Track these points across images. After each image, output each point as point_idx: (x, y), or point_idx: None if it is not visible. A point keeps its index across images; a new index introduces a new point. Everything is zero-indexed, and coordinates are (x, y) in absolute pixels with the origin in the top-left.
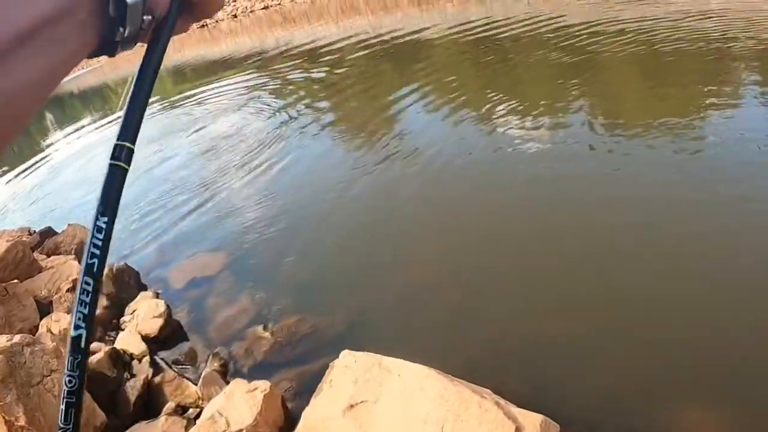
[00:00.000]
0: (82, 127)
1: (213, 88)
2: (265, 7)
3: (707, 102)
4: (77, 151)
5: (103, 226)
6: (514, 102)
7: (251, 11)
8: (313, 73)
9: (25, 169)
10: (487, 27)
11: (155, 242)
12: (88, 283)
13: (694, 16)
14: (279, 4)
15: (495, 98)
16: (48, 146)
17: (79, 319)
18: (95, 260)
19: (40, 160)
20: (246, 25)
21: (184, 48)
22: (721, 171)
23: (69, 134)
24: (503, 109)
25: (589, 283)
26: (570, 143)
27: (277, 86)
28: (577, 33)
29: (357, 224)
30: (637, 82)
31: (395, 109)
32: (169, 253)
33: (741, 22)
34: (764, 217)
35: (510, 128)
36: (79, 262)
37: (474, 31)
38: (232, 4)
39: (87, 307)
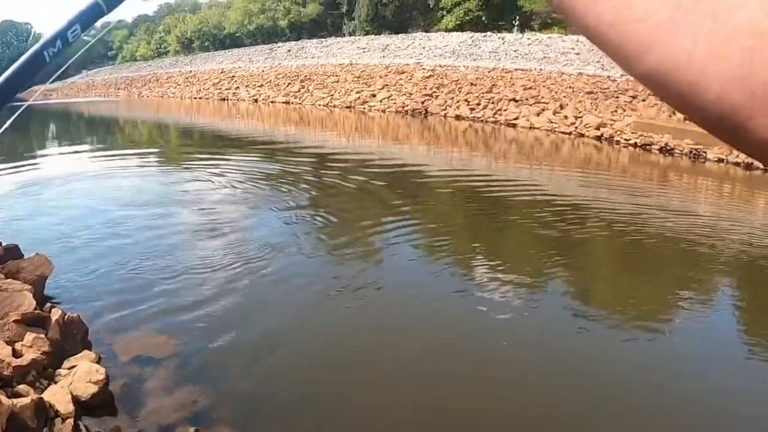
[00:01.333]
0: (78, 150)
1: (221, 164)
2: (287, 102)
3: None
4: (63, 175)
5: None
6: (487, 261)
7: (272, 101)
8: (319, 179)
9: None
10: (486, 181)
11: (117, 305)
12: None
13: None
14: (300, 103)
15: (474, 255)
16: (39, 156)
17: None
18: None
19: (28, 167)
20: (264, 112)
21: (200, 112)
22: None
23: (63, 153)
24: (477, 267)
25: None
26: (535, 318)
27: (283, 184)
28: (568, 209)
29: (312, 353)
30: (610, 267)
31: (381, 238)
32: (125, 321)
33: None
34: None
35: (480, 290)
36: (35, 296)
37: (473, 182)
38: (258, 88)
39: None
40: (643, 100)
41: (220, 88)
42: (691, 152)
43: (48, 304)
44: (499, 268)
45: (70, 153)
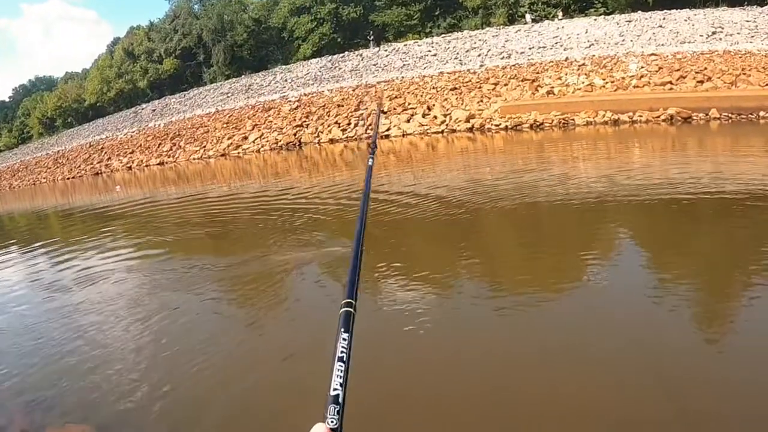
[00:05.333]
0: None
1: (108, 242)
2: (161, 163)
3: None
4: None
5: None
6: (393, 264)
7: (147, 165)
8: (211, 230)
9: None
10: (378, 193)
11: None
12: (343, 352)
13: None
14: (175, 162)
15: (379, 261)
16: None
17: (339, 377)
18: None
19: None
20: (140, 178)
21: (77, 192)
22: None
23: None
24: (384, 271)
25: None
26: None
27: (172, 240)
28: (457, 199)
29: None
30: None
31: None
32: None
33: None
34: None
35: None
36: None
37: (358, 193)
38: (129, 155)
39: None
40: (506, 85)
41: (92, 163)
42: (560, 122)
43: None
44: (405, 266)
45: None
